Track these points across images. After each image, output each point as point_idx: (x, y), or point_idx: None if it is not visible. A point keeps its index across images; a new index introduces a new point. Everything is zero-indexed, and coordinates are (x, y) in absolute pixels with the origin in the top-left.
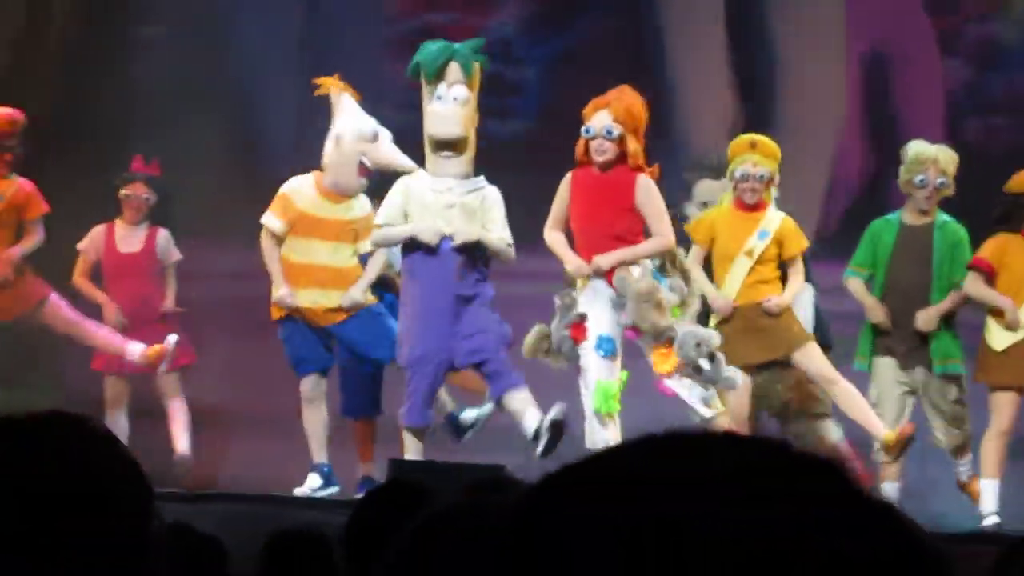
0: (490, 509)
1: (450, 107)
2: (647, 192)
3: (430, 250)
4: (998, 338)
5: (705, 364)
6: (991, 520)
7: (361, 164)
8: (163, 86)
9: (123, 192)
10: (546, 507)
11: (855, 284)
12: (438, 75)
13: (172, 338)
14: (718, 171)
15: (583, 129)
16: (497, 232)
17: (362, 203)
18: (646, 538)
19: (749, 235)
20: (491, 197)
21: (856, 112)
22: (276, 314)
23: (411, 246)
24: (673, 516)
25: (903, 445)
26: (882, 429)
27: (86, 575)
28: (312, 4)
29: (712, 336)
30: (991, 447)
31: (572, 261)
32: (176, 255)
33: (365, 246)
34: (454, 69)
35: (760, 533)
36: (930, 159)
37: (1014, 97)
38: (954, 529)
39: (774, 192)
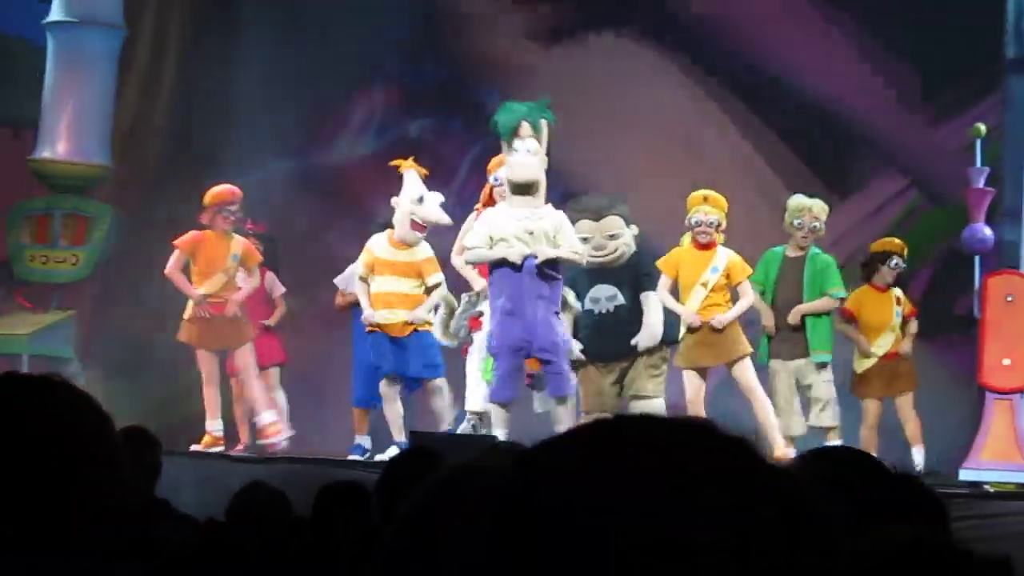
0: (484, 473)
1: (523, 157)
2: (561, 222)
3: (515, 267)
4: (859, 364)
5: None
6: None
7: (412, 221)
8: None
9: None
10: (524, 475)
11: (755, 296)
12: (513, 132)
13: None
14: (596, 212)
15: (492, 178)
16: (567, 246)
17: (423, 248)
18: (593, 502)
19: (704, 269)
20: (560, 220)
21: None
22: (369, 328)
23: (499, 263)
24: (618, 488)
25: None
26: (780, 443)
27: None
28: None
29: None
30: (864, 436)
31: (480, 282)
32: (280, 289)
33: (432, 279)
34: (525, 127)
35: (683, 495)
36: (806, 208)
37: None
38: None
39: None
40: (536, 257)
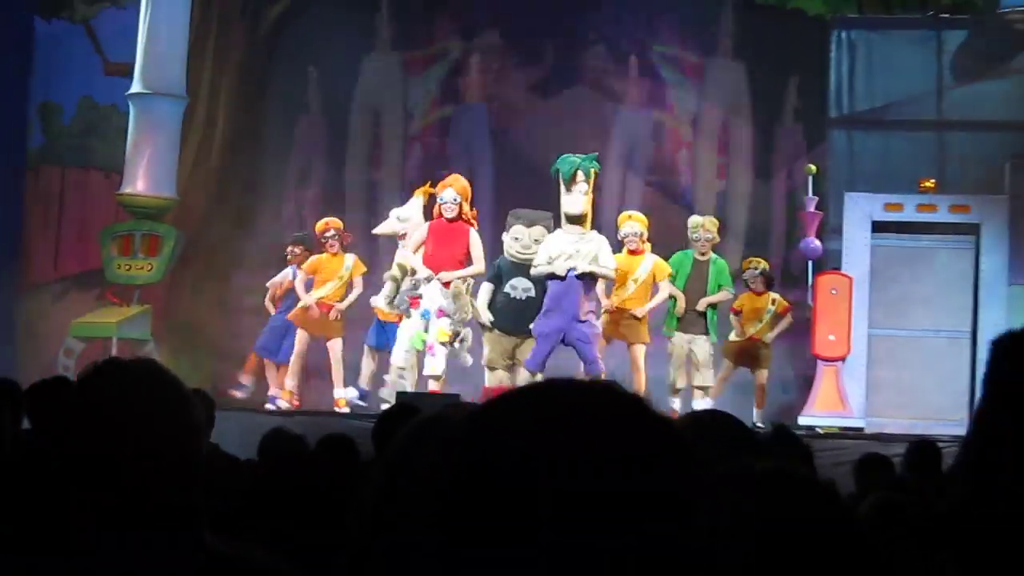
0: (447, 422)
1: (577, 197)
2: (474, 240)
3: (560, 277)
4: (733, 337)
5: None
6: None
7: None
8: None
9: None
10: (473, 424)
11: (671, 287)
12: (571, 179)
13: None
14: (529, 221)
15: (439, 197)
16: (602, 263)
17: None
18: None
19: (635, 269)
20: (600, 243)
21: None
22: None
23: (550, 274)
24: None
25: None
26: None
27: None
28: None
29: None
30: (716, 383)
31: (425, 271)
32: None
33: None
34: (579, 175)
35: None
36: (701, 224)
37: None
38: None
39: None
40: (576, 269)
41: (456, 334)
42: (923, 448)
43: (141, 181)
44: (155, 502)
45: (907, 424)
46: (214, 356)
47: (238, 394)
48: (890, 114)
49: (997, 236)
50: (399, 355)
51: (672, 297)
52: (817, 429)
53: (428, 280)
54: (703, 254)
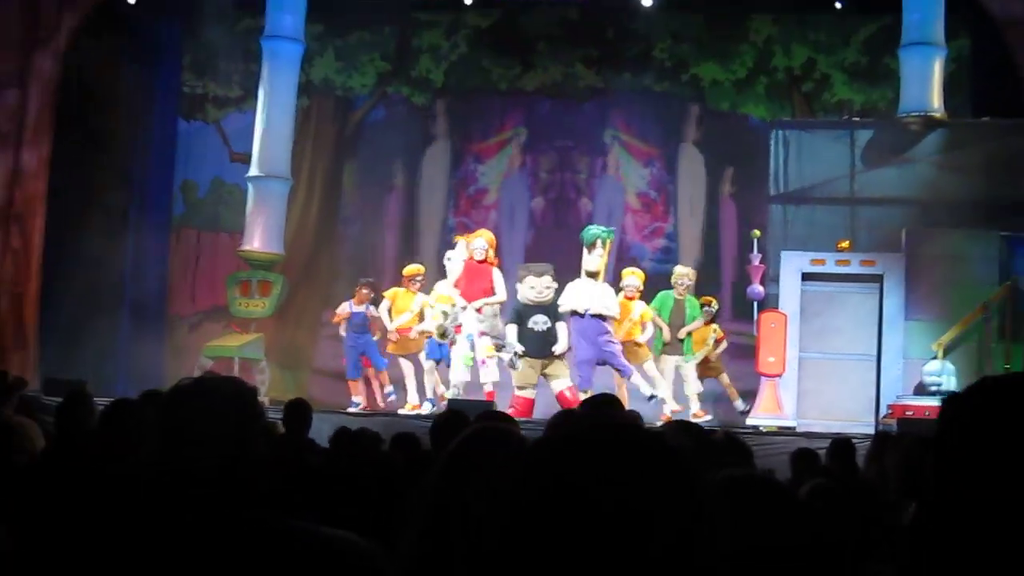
0: (500, 433)
1: (596, 258)
2: (497, 277)
3: (580, 314)
4: (694, 357)
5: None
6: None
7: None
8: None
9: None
10: (543, 459)
11: (657, 318)
12: (592, 244)
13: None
14: (538, 273)
15: (470, 246)
16: (609, 306)
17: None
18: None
19: (632, 311)
20: (608, 292)
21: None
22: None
23: (574, 311)
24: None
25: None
26: (671, 399)
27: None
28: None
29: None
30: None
31: (462, 301)
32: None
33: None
34: (598, 242)
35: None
36: (684, 274)
37: None
38: None
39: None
40: (591, 310)
41: (499, 347)
42: (841, 444)
43: (257, 240)
44: (229, 485)
45: (829, 425)
46: (309, 371)
47: (353, 409)
48: (815, 192)
49: (896, 284)
50: (456, 374)
51: (658, 328)
52: (760, 428)
53: (464, 308)
54: (680, 295)
